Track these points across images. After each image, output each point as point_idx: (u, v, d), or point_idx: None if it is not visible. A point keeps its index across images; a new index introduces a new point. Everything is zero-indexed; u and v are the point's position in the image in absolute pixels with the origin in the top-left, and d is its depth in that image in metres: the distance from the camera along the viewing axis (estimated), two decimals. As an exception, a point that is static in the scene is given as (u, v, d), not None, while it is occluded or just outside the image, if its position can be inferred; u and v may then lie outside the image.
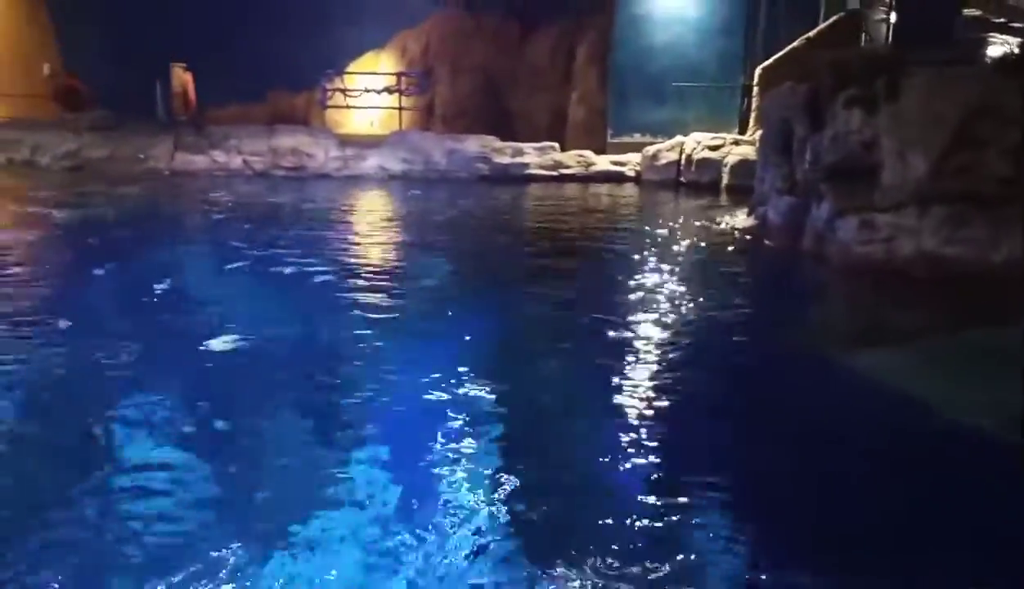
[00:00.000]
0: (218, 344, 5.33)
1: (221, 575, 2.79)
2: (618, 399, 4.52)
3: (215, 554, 2.91)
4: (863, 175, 8.11)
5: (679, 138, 15.44)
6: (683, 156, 15.10)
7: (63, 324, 5.70)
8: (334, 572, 2.85)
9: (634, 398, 4.52)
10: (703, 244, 9.50)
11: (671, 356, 5.35)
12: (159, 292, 6.71)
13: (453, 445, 3.88)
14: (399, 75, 21.01)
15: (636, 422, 4.21)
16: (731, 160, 14.29)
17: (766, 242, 9.35)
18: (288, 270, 7.48)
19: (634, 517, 3.26)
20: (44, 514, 3.22)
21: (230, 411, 4.27)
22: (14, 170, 16.03)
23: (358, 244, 9.39)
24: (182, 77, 18.94)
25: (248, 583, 2.76)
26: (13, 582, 2.76)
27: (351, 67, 22.02)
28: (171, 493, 3.42)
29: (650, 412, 4.34)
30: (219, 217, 11.15)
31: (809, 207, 8.78)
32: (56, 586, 2.75)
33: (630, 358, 5.21)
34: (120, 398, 4.37)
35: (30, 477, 3.60)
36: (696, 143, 15.07)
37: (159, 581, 2.75)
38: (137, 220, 10.89)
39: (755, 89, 16.12)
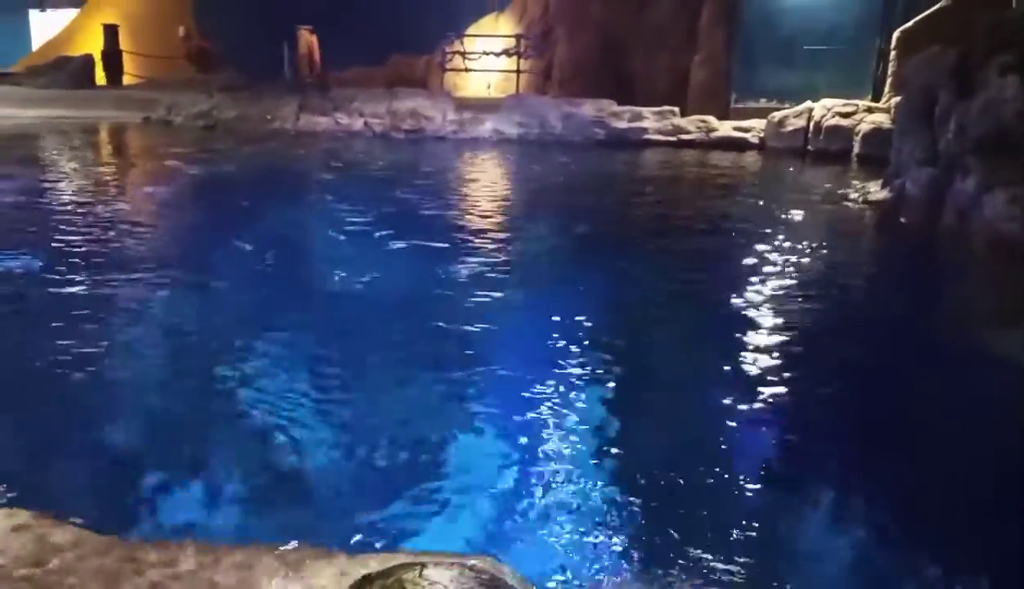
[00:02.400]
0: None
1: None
2: (734, 380, 4.36)
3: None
4: (1015, 148, 7.54)
5: (808, 104, 14.73)
6: (811, 123, 14.42)
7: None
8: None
9: (752, 380, 4.36)
10: (833, 217, 9.07)
11: (795, 338, 5.11)
12: (282, 248, 6.93)
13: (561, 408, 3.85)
14: (518, 37, 20.87)
15: (752, 405, 4.06)
16: (864, 128, 13.55)
17: (902, 217, 8.84)
18: (400, 241, 7.55)
19: (739, 507, 3.15)
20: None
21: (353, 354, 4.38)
22: (151, 128, 16.83)
23: (470, 210, 9.41)
24: (308, 39, 19.36)
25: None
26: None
27: (471, 30, 22.02)
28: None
29: (769, 396, 4.17)
30: (346, 176, 11.40)
31: (952, 180, 8.23)
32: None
33: (751, 338, 5.02)
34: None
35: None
36: (826, 110, 14.36)
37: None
38: (266, 179, 11.24)
39: (892, 53, 15.20)
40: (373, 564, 2.44)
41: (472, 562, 2.48)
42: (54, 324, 4.85)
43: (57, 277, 5.78)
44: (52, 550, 2.54)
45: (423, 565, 2.26)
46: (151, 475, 3.24)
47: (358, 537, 2.85)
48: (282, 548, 2.63)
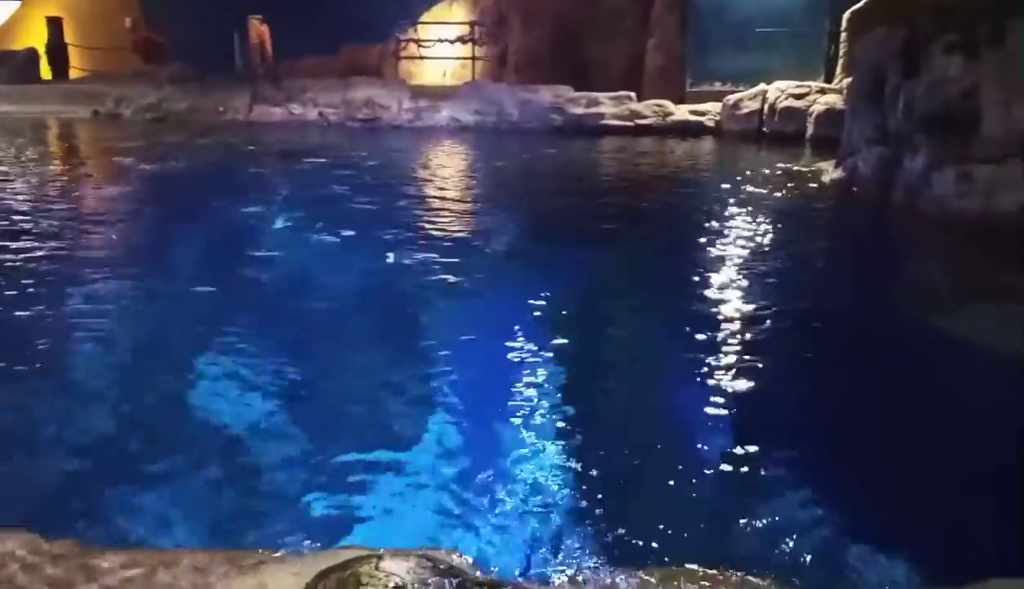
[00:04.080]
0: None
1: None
2: (692, 360, 4.38)
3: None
4: (961, 125, 7.67)
5: (762, 86, 14.86)
6: (766, 105, 14.55)
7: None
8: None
9: (709, 360, 4.38)
10: (788, 197, 9.17)
11: (751, 315, 5.16)
12: (251, 241, 6.83)
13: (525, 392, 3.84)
14: (472, 24, 20.75)
15: (711, 383, 4.08)
16: (817, 109, 13.70)
17: (855, 195, 8.97)
18: (352, 231, 7.45)
19: (701, 484, 3.17)
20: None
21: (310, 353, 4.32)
22: (100, 122, 16.47)
23: (429, 199, 9.34)
24: (259, 29, 19.08)
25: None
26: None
27: (425, 17, 21.84)
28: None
29: (727, 374, 4.20)
30: (298, 168, 11.24)
31: (901, 159, 8.36)
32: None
33: (707, 319, 5.04)
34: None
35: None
36: (780, 91, 14.49)
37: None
38: (220, 173, 11.04)
39: (843, 35, 15.39)
40: (327, 561, 2.40)
41: (428, 552, 2.46)
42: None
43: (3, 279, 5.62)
44: (3, 558, 2.48)
45: (379, 557, 2.23)
46: (96, 480, 3.17)
47: (311, 538, 2.80)
48: (236, 551, 2.59)
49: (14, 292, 5.34)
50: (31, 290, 5.41)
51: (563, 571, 2.55)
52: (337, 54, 21.75)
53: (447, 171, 11.68)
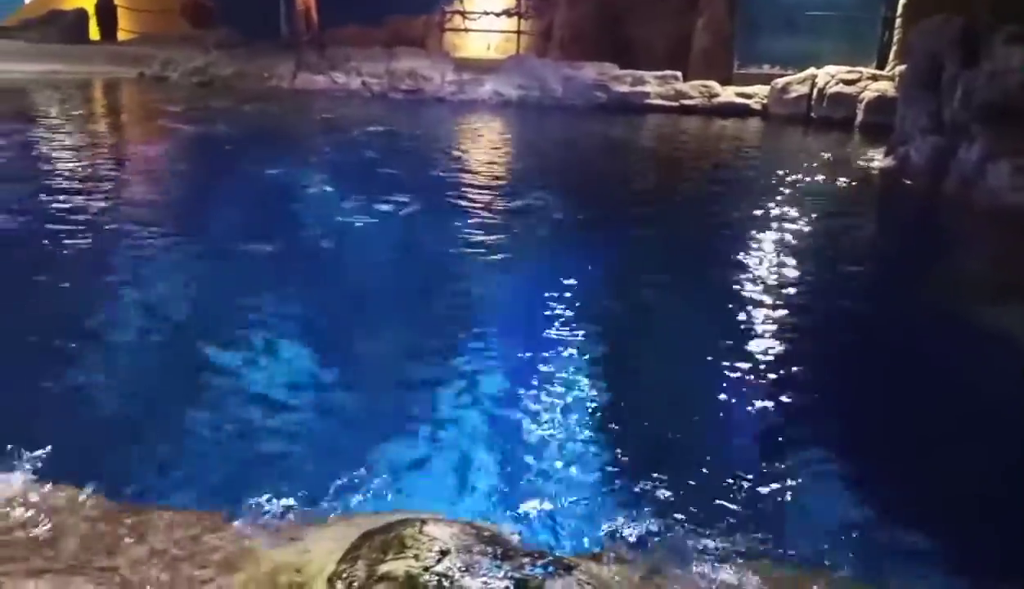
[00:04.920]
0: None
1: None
2: (725, 346, 4.30)
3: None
4: (1020, 117, 7.47)
5: (811, 70, 14.57)
6: (815, 90, 14.28)
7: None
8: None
9: (745, 345, 4.31)
10: (836, 184, 8.99)
11: (791, 305, 5.03)
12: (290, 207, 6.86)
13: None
14: (519, -3, 20.56)
15: (743, 371, 4.01)
16: (868, 96, 13.42)
17: (905, 183, 8.77)
18: (389, 204, 7.44)
19: (727, 466, 3.14)
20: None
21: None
22: (146, 84, 16.62)
23: (470, 172, 9.31)
24: (305, -3, 19.07)
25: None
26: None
27: (471, -11, 21.68)
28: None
29: (761, 362, 4.12)
30: (340, 136, 11.26)
31: (956, 149, 8.16)
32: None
33: (744, 305, 4.95)
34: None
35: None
36: (830, 76, 14.21)
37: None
38: (264, 138, 11.09)
39: (898, 20, 15.04)
40: (370, 525, 2.41)
41: (471, 520, 2.45)
42: (49, 282, 4.80)
43: (50, 235, 5.69)
44: (49, 513, 2.52)
45: (423, 521, 2.24)
46: (136, 440, 3.20)
47: (354, 500, 2.81)
48: (279, 514, 2.61)
49: (59, 243, 5.42)
50: (76, 243, 5.48)
51: (606, 545, 2.53)
52: (382, 24, 21.69)
53: (490, 145, 11.62)
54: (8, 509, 2.50)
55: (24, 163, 8.26)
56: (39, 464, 2.78)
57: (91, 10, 22.18)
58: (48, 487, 2.64)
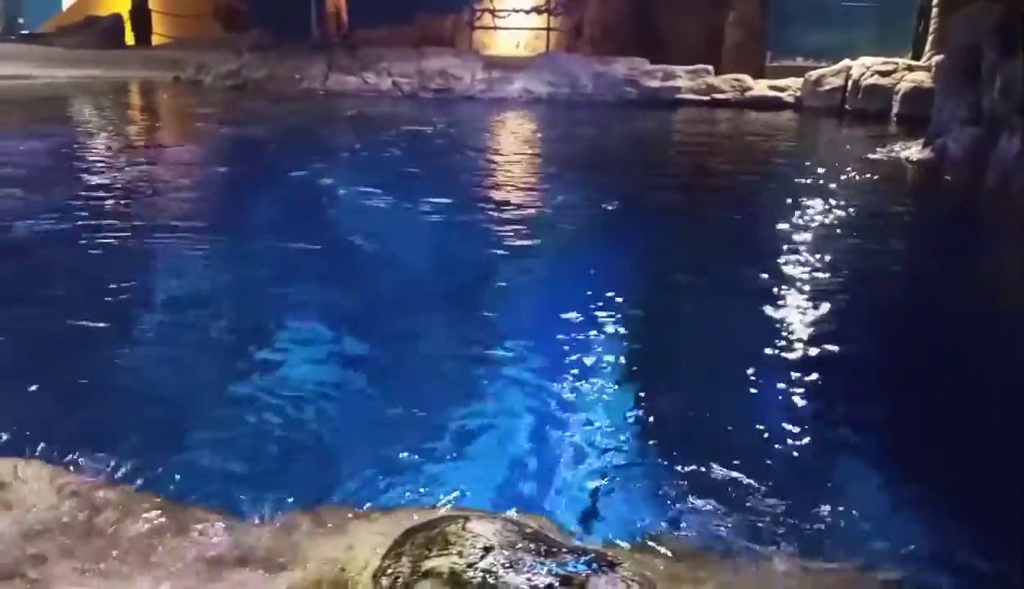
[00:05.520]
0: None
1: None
2: (766, 341, 4.25)
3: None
4: (1063, 107, 7.33)
5: (845, 62, 14.37)
6: (849, 82, 14.08)
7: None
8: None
9: (786, 344, 4.25)
10: (872, 177, 8.86)
11: (832, 303, 4.90)
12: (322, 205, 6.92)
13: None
14: (548, -6, 20.53)
15: (786, 368, 3.96)
16: (904, 87, 13.21)
17: (944, 177, 8.63)
18: (425, 203, 7.47)
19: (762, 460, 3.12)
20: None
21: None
22: (181, 88, 16.83)
23: (499, 169, 9.31)
24: (335, -1, 19.19)
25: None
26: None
27: (500, -14, 21.69)
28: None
29: (804, 361, 4.06)
30: (373, 136, 11.32)
31: (996, 140, 8.01)
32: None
33: (784, 301, 4.88)
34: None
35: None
36: (865, 68, 14.00)
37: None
38: (297, 139, 11.18)
39: (934, 10, 14.78)
40: (412, 520, 2.43)
41: (514, 516, 2.46)
42: (92, 281, 4.89)
43: (91, 236, 5.80)
44: (100, 510, 2.57)
45: (466, 518, 2.25)
46: (182, 436, 3.25)
47: (391, 495, 2.83)
48: (322, 510, 2.63)
49: (99, 241, 5.52)
50: (116, 242, 5.58)
51: (649, 541, 2.52)
52: (411, 24, 21.78)
53: (522, 141, 11.63)
54: (60, 506, 2.56)
55: (65, 165, 8.41)
56: (92, 461, 2.83)
57: (126, 15, 22.53)
58: (99, 483, 2.70)
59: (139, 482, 2.72)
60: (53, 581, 2.20)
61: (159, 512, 2.55)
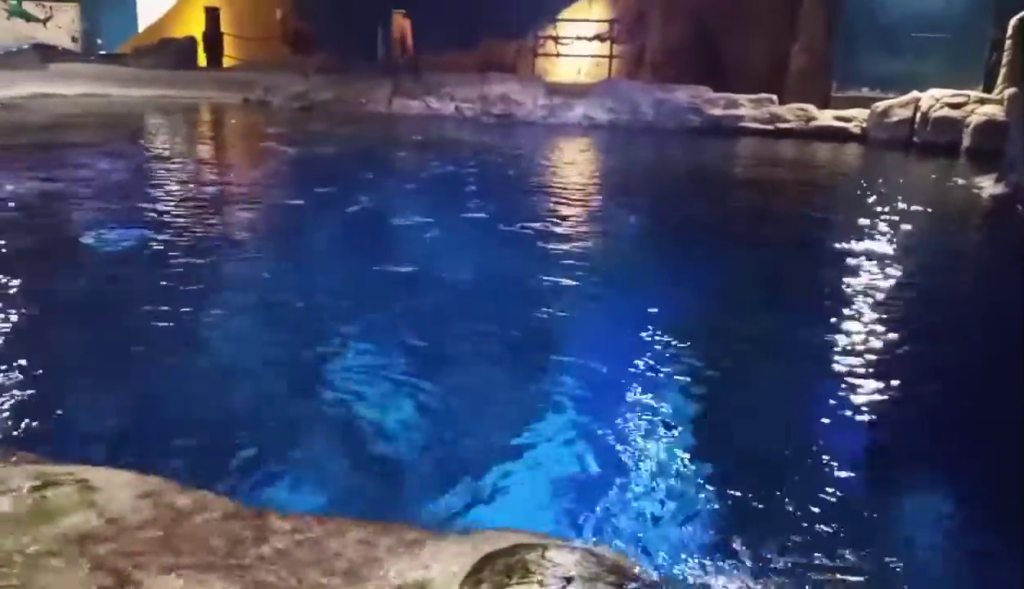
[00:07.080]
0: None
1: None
2: (833, 379, 4.16)
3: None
4: None
5: (914, 94, 14.14)
6: (918, 114, 13.84)
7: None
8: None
9: (853, 384, 4.14)
10: (944, 211, 8.67)
11: (904, 342, 4.77)
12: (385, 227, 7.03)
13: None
14: (611, 22, 20.64)
15: (854, 409, 3.88)
16: (975, 120, 12.93)
17: (1018, 211, 8.41)
18: (487, 225, 7.52)
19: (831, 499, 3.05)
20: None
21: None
22: (250, 109, 17.29)
23: (560, 194, 9.34)
24: (401, 23, 19.52)
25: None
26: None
27: (564, 15, 21.88)
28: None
29: (872, 405, 3.97)
30: (437, 159, 11.46)
31: (1076, 176, 7.81)
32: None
33: (853, 339, 4.75)
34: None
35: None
36: (934, 100, 13.75)
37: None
38: (361, 161, 11.37)
39: (1008, 41, 14.45)
40: (489, 545, 2.44)
41: (591, 546, 2.46)
42: (166, 294, 5.03)
43: (167, 251, 5.98)
44: (177, 514, 2.63)
45: (544, 546, 2.25)
46: (257, 443, 3.32)
47: (466, 518, 2.86)
48: (398, 525, 2.66)
49: (172, 256, 5.69)
50: (190, 258, 5.75)
51: (724, 575, 2.50)
52: (475, 49, 22.07)
53: (580, 168, 11.66)
54: (141, 508, 2.63)
55: (139, 182, 8.70)
56: (168, 464, 2.91)
57: (199, 38, 23.27)
58: (175, 486, 2.76)
59: (216, 486, 2.78)
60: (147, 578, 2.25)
61: (235, 516, 2.61)
